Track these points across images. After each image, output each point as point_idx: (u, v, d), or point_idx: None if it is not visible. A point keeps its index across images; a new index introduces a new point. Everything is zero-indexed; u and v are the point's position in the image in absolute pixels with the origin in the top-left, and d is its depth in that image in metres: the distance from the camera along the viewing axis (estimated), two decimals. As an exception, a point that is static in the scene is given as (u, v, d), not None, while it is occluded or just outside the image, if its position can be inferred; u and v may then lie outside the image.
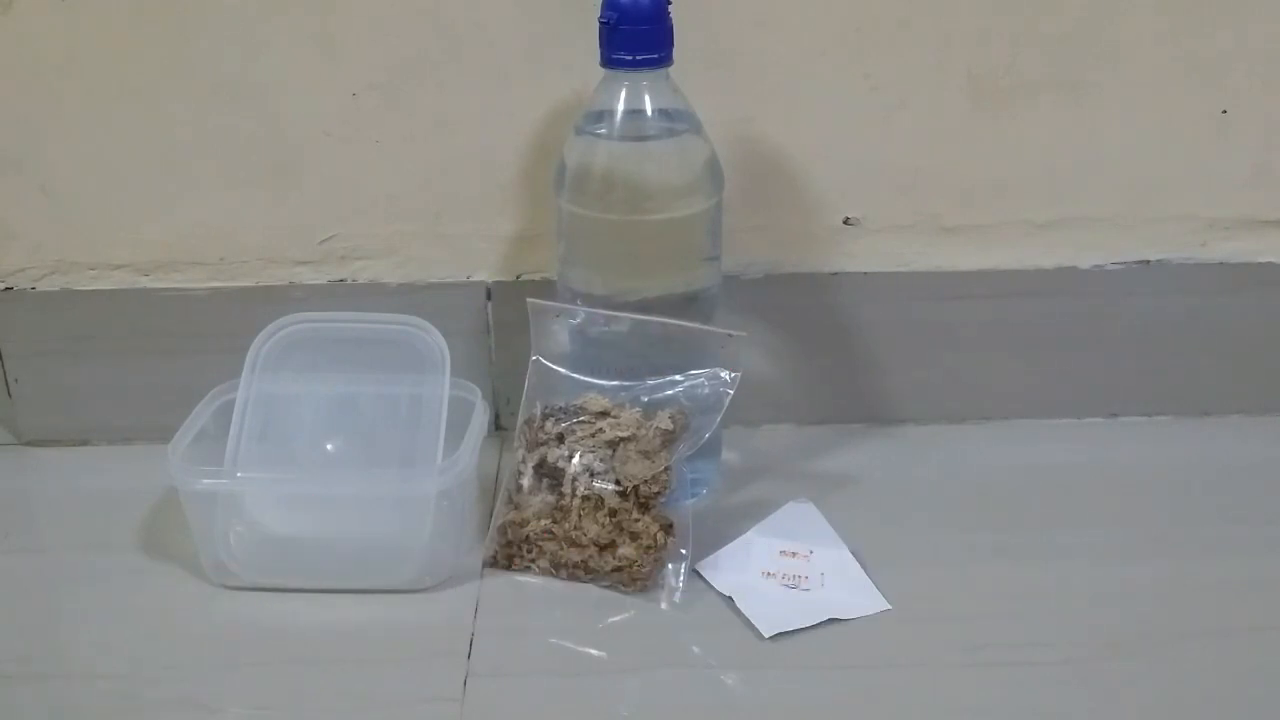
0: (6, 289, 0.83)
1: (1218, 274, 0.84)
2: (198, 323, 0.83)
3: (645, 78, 0.71)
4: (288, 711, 0.64)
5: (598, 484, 0.71)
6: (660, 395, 0.73)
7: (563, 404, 0.74)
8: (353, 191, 0.81)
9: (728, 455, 0.81)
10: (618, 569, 0.70)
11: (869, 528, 0.75)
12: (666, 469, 0.71)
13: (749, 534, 0.74)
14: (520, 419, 0.75)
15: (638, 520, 0.70)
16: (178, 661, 0.67)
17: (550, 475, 0.73)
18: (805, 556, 0.72)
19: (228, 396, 0.74)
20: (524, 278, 0.83)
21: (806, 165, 0.81)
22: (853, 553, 0.73)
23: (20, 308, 0.83)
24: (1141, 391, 0.86)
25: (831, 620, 0.68)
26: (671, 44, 0.71)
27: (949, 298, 0.83)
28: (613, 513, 0.71)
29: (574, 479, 0.72)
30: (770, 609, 0.69)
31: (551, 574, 0.72)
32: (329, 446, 0.76)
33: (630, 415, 0.73)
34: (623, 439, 0.72)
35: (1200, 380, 0.86)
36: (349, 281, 0.83)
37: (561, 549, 0.71)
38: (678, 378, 0.73)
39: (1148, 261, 0.84)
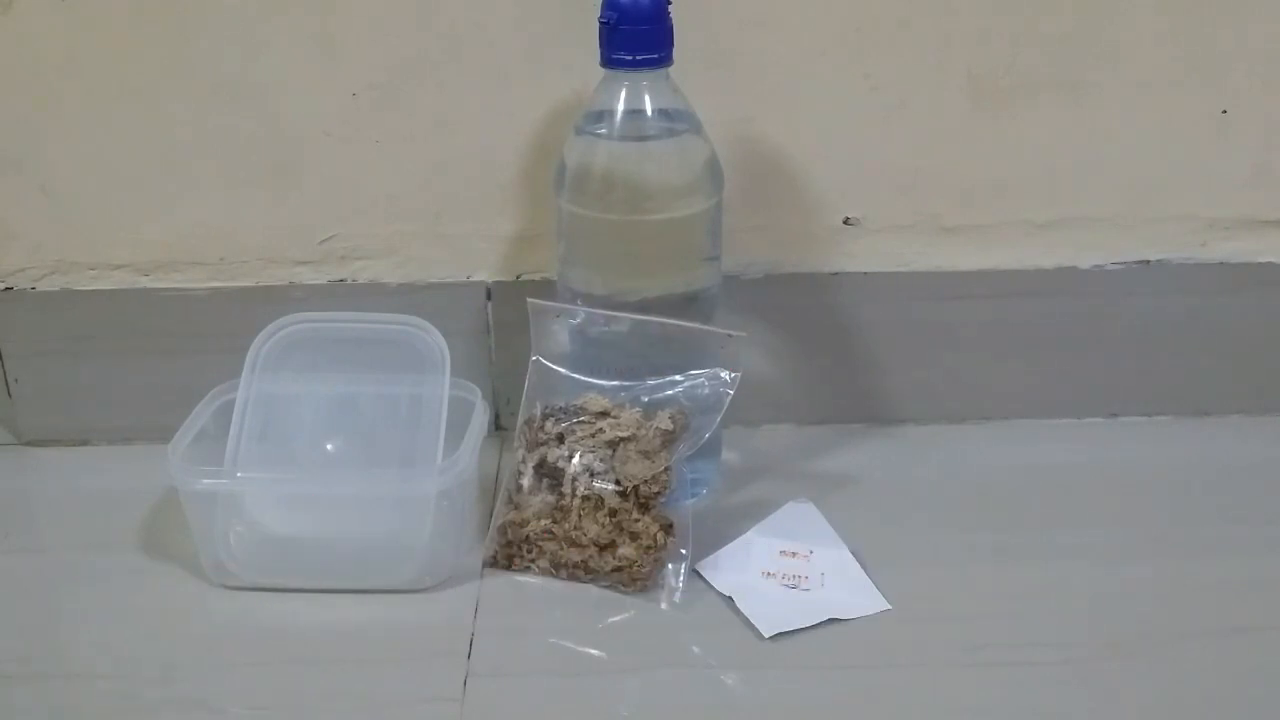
0: (6, 289, 0.83)
1: (1218, 274, 0.84)
2: (198, 323, 0.83)
3: (645, 78, 0.71)
4: (288, 711, 0.64)
5: (598, 484, 0.71)
6: (660, 395, 0.73)
7: (563, 404, 0.74)
8: (353, 191, 0.81)
9: (728, 455, 0.81)
10: (618, 569, 0.70)
11: (869, 528, 0.75)
12: (666, 469, 0.71)
13: (749, 534, 0.74)
14: (520, 419, 0.75)
15: (638, 520, 0.70)
16: (178, 661, 0.67)
17: (550, 475, 0.73)
18: (805, 556, 0.72)
19: (228, 396, 0.74)
20: (524, 278, 0.83)
21: (806, 165, 0.81)
22: (853, 553, 0.73)
23: (20, 308, 0.83)
24: (1141, 391, 0.86)
25: (831, 620, 0.68)
26: (671, 44, 0.71)
27: (949, 298, 0.83)
28: (613, 513, 0.71)
29: (574, 479, 0.72)
30: (770, 609, 0.69)
31: (551, 574, 0.72)
32: (329, 446, 0.76)
33: (630, 415, 0.73)
34: (623, 439, 0.72)
35: (1200, 380, 0.86)
36: (349, 281, 0.83)
37: (561, 549, 0.71)
38: (678, 378, 0.73)
39: (1148, 261, 0.84)
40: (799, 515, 0.76)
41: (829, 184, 0.82)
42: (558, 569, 0.72)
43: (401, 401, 0.74)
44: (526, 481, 0.73)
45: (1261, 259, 0.84)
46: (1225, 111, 0.80)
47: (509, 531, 0.72)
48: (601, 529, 0.70)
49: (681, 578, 0.71)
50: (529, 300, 0.75)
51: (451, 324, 0.75)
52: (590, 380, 0.74)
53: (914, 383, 0.85)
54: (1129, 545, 0.74)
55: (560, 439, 0.73)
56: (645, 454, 0.71)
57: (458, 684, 0.64)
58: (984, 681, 0.64)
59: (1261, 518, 0.77)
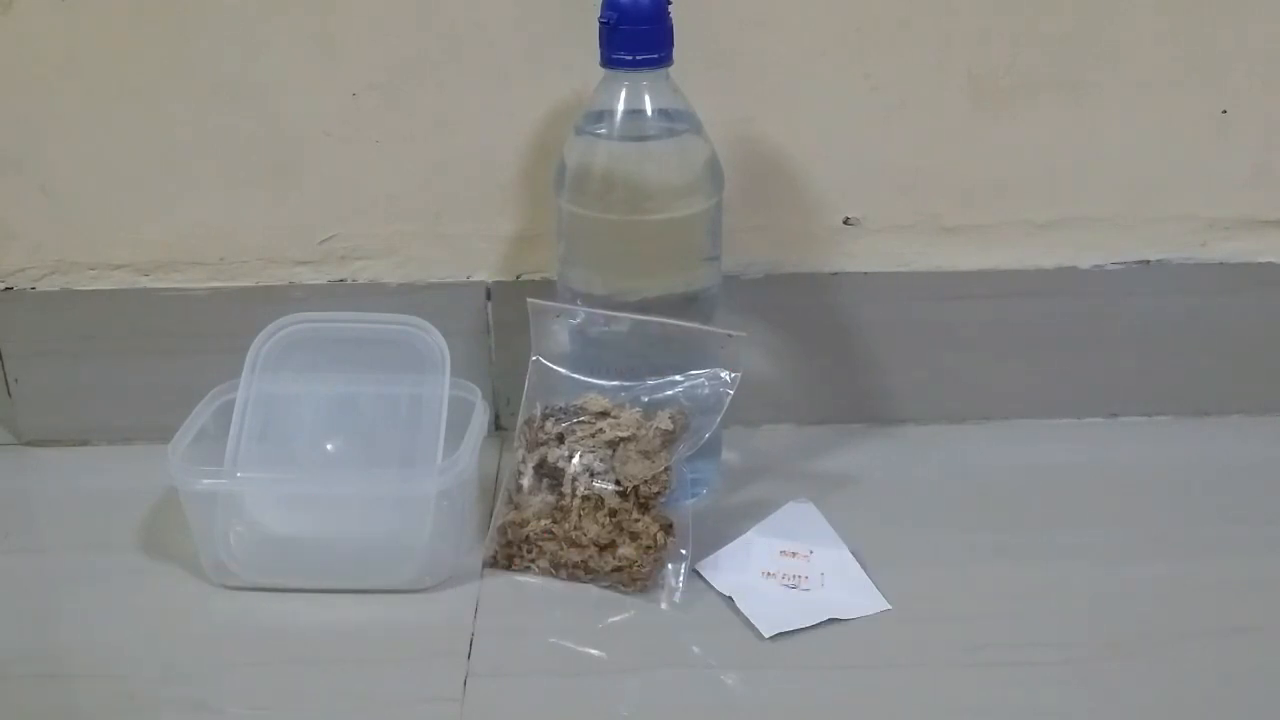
0: (6, 289, 0.83)
1: (1218, 274, 0.84)
2: (198, 323, 0.83)
3: (645, 78, 0.71)
4: (288, 711, 0.64)
5: (598, 484, 0.71)
6: (660, 395, 0.73)
7: (563, 404, 0.74)
8: (353, 191, 0.81)
9: (728, 455, 0.81)
10: (618, 569, 0.70)
11: (869, 528, 0.75)
12: (666, 469, 0.71)
13: (749, 534, 0.74)
14: (520, 419, 0.75)
15: (638, 520, 0.70)
16: (178, 661, 0.67)
17: (550, 475, 0.73)
18: (805, 556, 0.72)
19: (228, 396, 0.74)
20: (524, 278, 0.83)
21: (806, 165, 0.81)
22: (853, 553, 0.73)
23: (20, 308, 0.83)
24: (1141, 391, 0.86)
25: (831, 620, 0.68)
26: (671, 44, 0.71)
27: (949, 298, 0.83)
28: (613, 513, 0.71)
29: (574, 479, 0.72)
30: (770, 609, 0.69)
31: (551, 574, 0.72)
32: (329, 446, 0.76)
33: (630, 415, 0.73)
34: (623, 439, 0.72)
35: (1200, 380, 0.86)
36: (349, 281, 0.83)
37: (561, 549, 0.71)
38: (678, 378, 0.73)
39: (1148, 261, 0.84)
40: (799, 515, 0.76)
41: (829, 184, 0.82)
42: (558, 569, 0.72)
43: (401, 401, 0.74)
44: (526, 481, 0.73)
45: (1261, 259, 0.84)
46: (1225, 111, 0.80)
47: (509, 531, 0.72)
48: (601, 529, 0.70)
49: (681, 578, 0.71)
50: (529, 300, 0.75)
51: (451, 324, 0.75)
52: (590, 380, 0.74)
53: (914, 383, 0.85)
54: (1129, 545, 0.74)
55: (560, 439, 0.73)
56: (645, 454, 0.71)
57: (458, 684, 0.64)
58: (984, 681, 0.64)
59: (1261, 518, 0.77)
